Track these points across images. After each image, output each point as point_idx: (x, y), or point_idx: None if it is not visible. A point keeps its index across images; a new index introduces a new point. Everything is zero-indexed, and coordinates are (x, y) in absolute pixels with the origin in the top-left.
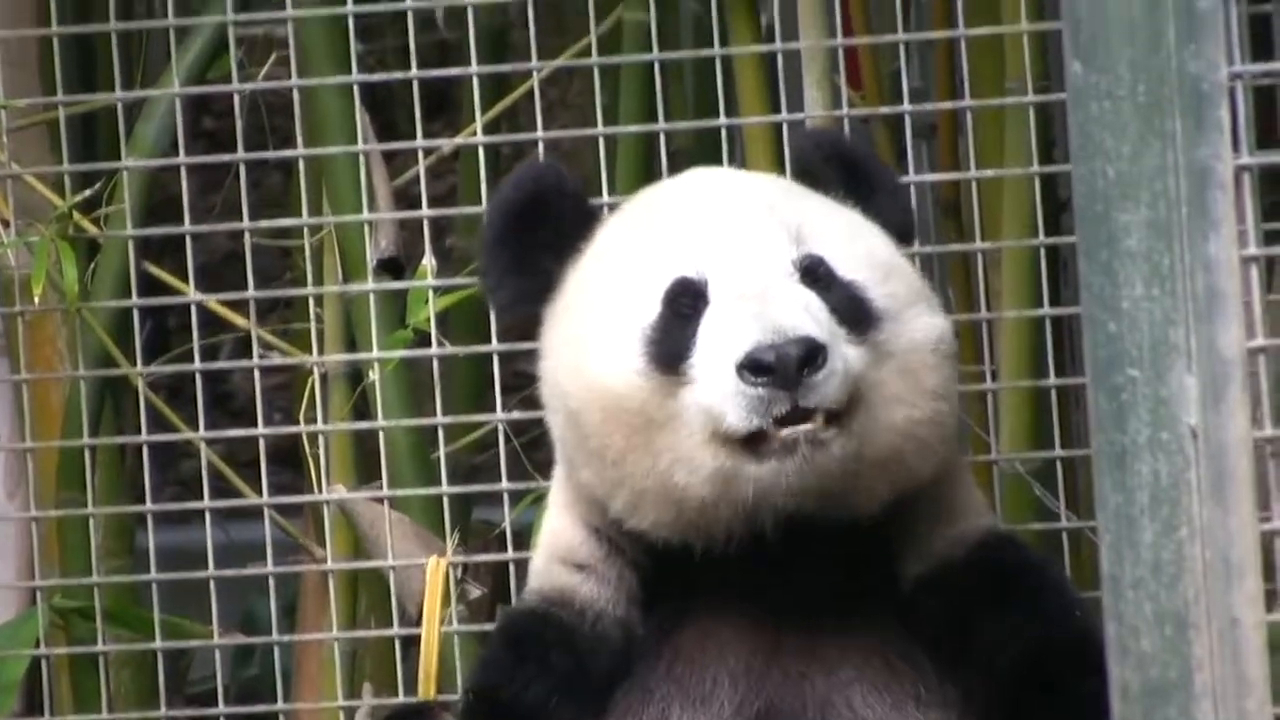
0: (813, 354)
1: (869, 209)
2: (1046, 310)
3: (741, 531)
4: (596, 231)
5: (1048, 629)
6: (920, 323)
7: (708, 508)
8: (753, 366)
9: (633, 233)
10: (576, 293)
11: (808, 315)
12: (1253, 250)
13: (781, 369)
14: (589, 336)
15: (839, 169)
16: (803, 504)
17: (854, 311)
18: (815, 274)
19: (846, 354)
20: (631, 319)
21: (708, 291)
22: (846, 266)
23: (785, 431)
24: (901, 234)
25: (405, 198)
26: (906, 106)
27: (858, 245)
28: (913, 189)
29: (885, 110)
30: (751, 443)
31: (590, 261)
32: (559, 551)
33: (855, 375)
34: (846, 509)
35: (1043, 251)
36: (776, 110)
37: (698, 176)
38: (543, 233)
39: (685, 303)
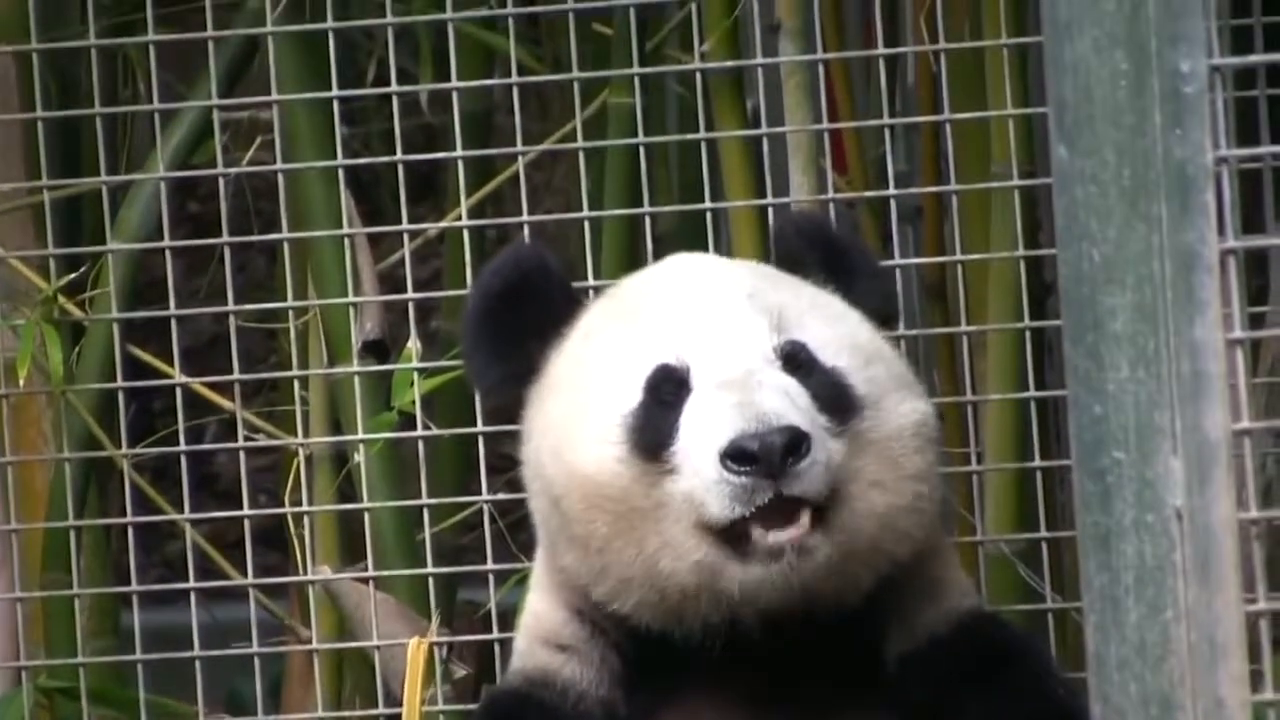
0: (796, 442)
1: (851, 293)
2: (1032, 393)
3: (724, 620)
4: (580, 315)
5: (1032, 708)
6: (902, 408)
7: (690, 597)
8: (736, 455)
9: (615, 318)
10: (559, 377)
11: (791, 403)
12: (1238, 334)
13: (765, 457)
14: (571, 423)
15: (821, 253)
16: (788, 601)
17: (835, 399)
18: (797, 360)
19: (828, 444)
20: (613, 406)
21: (690, 379)
22: (828, 352)
23: (771, 537)
24: (884, 318)
25: (390, 280)
26: (892, 190)
27: (839, 330)
28: (898, 272)
29: (870, 194)
30: (735, 537)
31: (573, 346)
32: (541, 633)
33: (836, 465)
34: (830, 601)
35: (1028, 334)
36: (762, 194)
37: (680, 263)
38: (526, 316)
39: (667, 390)
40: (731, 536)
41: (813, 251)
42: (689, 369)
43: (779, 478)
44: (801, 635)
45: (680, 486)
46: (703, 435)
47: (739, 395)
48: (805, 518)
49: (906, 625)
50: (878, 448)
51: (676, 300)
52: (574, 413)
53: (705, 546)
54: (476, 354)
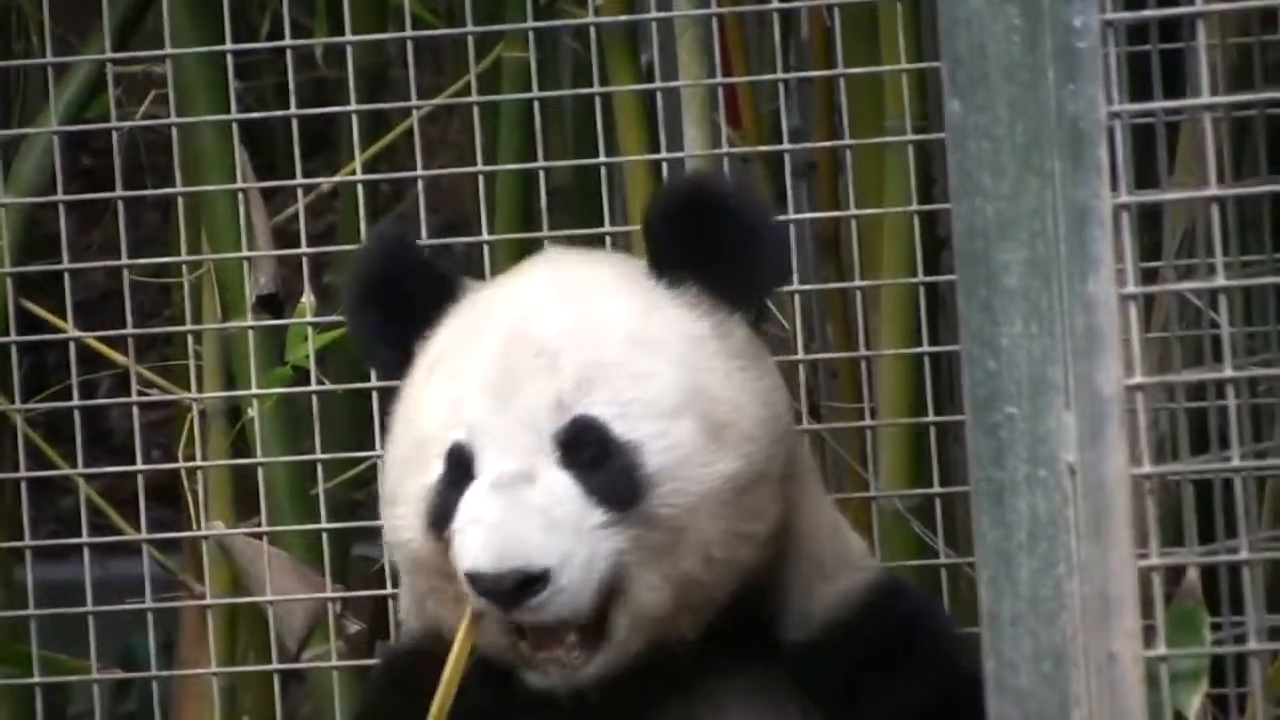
0: (528, 583)
1: (719, 268)
2: (925, 348)
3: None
4: (450, 304)
5: (936, 685)
6: (702, 474)
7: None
8: (474, 584)
9: (449, 360)
10: (402, 412)
11: (545, 526)
12: (1131, 289)
13: (493, 595)
14: (394, 482)
15: (693, 220)
16: (599, 681)
17: (621, 485)
18: (580, 445)
19: (595, 549)
20: (421, 476)
21: (473, 466)
22: (625, 422)
23: (537, 656)
24: (759, 289)
25: (284, 235)
26: (786, 145)
27: (648, 387)
28: (792, 227)
29: (765, 149)
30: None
31: (418, 377)
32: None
33: (608, 570)
34: (668, 641)
35: (922, 289)
36: (656, 149)
37: (524, 282)
38: (397, 304)
39: (459, 470)
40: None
41: (681, 224)
42: (474, 456)
43: (513, 611)
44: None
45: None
46: (459, 548)
47: (493, 512)
48: (570, 637)
49: (798, 611)
50: (667, 523)
51: (486, 352)
52: (398, 469)
53: (493, 635)
54: (356, 340)
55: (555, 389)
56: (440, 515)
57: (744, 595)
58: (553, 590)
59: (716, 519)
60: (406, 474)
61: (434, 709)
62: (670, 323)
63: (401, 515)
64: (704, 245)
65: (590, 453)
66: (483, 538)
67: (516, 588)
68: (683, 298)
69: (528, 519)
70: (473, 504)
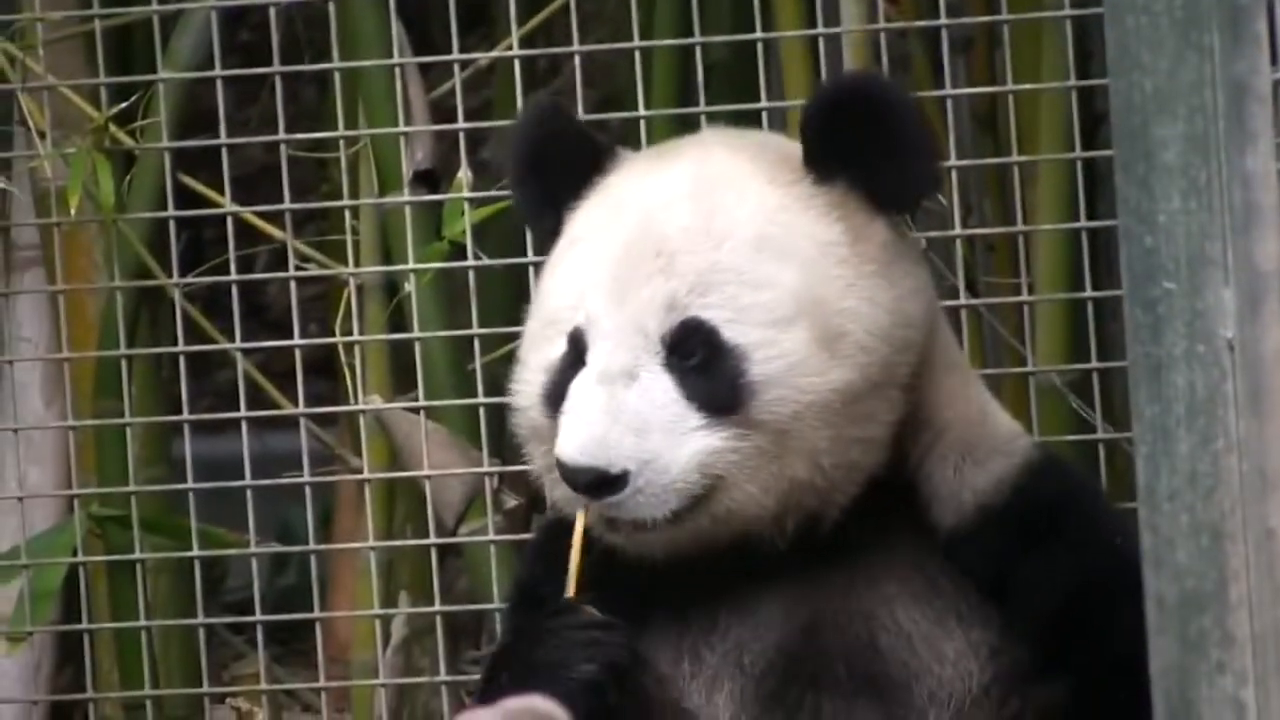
0: (602, 484)
1: (875, 172)
2: (1083, 224)
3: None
4: (607, 171)
5: (1091, 565)
6: (810, 383)
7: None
8: (560, 470)
9: (585, 239)
10: (544, 280)
11: (633, 429)
12: None
13: (572, 485)
14: (526, 352)
15: (852, 121)
16: (695, 548)
17: (723, 391)
18: (689, 347)
19: (691, 449)
20: (546, 353)
21: (585, 355)
22: (736, 327)
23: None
24: (912, 197)
25: (441, 110)
26: (943, 20)
27: (765, 295)
28: (949, 102)
29: (921, 24)
30: None
31: (564, 246)
32: None
33: (689, 473)
34: (791, 519)
35: (1079, 165)
36: (813, 24)
37: (666, 170)
38: (555, 172)
39: (576, 353)
40: None
41: (840, 124)
42: (587, 345)
43: (592, 502)
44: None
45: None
46: (560, 428)
47: (591, 406)
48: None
49: (950, 497)
50: (770, 428)
51: (612, 245)
52: (528, 343)
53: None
54: (520, 208)
55: (669, 291)
56: (556, 394)
57: (888, 485)
58: (630, 491)
59: (824, 427)
60: (535, 346)
61: (570, 585)
62: (801, 225)
63: (526, 384)
64: (858, 144)
65: (696, 356)
66: (572, 429)
67: (588, 487)
68: (825, 197)
69: (618, 419)
70: (576, 393)
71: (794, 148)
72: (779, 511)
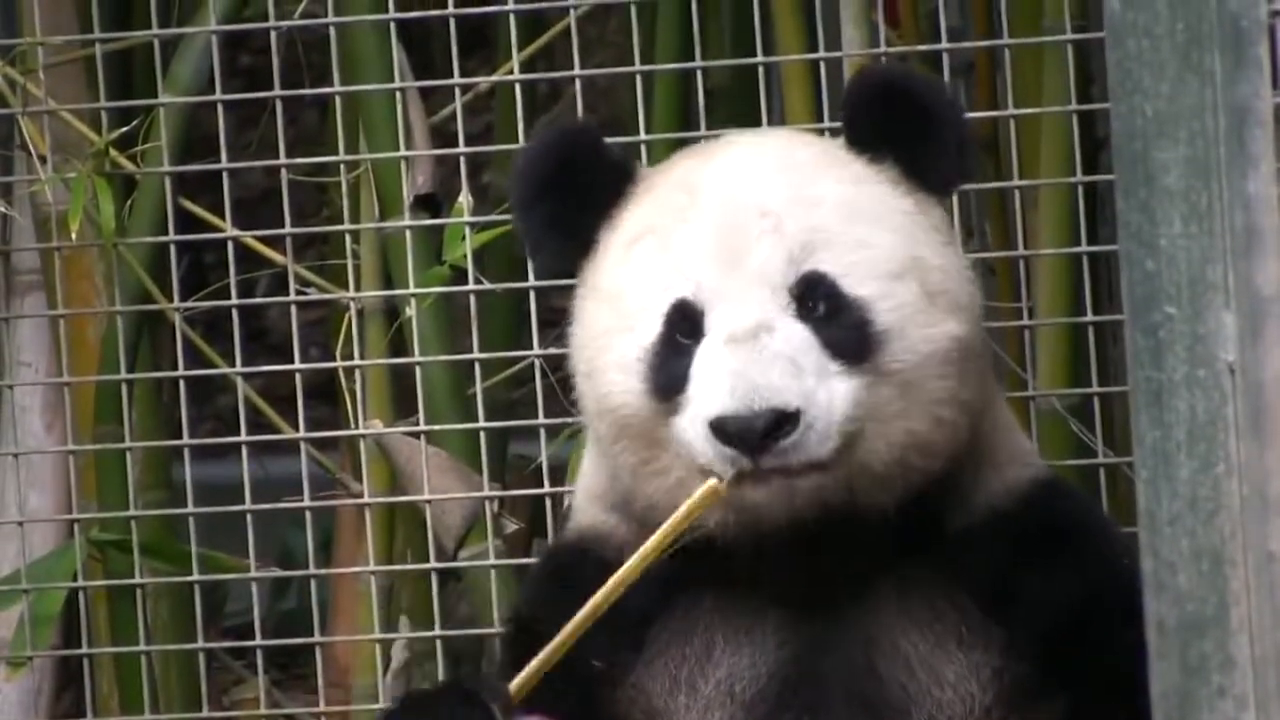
0: (780, 423)
1: (924, 152)
2: (1084, 248)
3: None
4: (629, 192)
5: (1094, 582)
6: (929, 333)
7: (715, 521)
8: (719, 432)
9: (652, 228)
10: (601, 283)
11: (789, 371)
12: None
13: (745, 439)
14: (601, 346)
15: (897, 113)
16: (806, 516)
17: (853, 340)
18: (814, 298)
19: (835, 392)
20: (635, 338)
21: (704, 322)
22: (853, 279)
23: (763, 467)
24: (957, 178)
25: (442, 135)
26: (944, 44)
27: (871, 252)
28: None
29: (923, 48)
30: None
31: (616, 250)
32: (596, 492)
33: (847, 413)
34: (858, 508)
35: (1080, 189)
36: (814, 48)
37: (726, 157)
38: (577, 194)
39: (684, 329)
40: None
41: (887, 109)
42: (703, 311)
43: (761, 456)
44: (849, 523)
45: (683, 432)
46: (699, 397)
47: (736, 362)
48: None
49: (964, 499)
50: (898, 379)
51: (707, 216)
52: (605, 334)
53: (709, 496)
54: (529, 232)
55: (785, 246)
56: (665, 375)
57: (927, 483)
58: (804, 428)
59: (944, 379)
60: (612, 342)
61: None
62: (881, 196)
63: (612, 382)
64: (901, 130)
65: (823, 306)
66: (729, 383)
67: (768, 429)
68: (885, 174)
69: (774, 363)
70: (713, 355)
71: (834, 140)
72: (898, 472)
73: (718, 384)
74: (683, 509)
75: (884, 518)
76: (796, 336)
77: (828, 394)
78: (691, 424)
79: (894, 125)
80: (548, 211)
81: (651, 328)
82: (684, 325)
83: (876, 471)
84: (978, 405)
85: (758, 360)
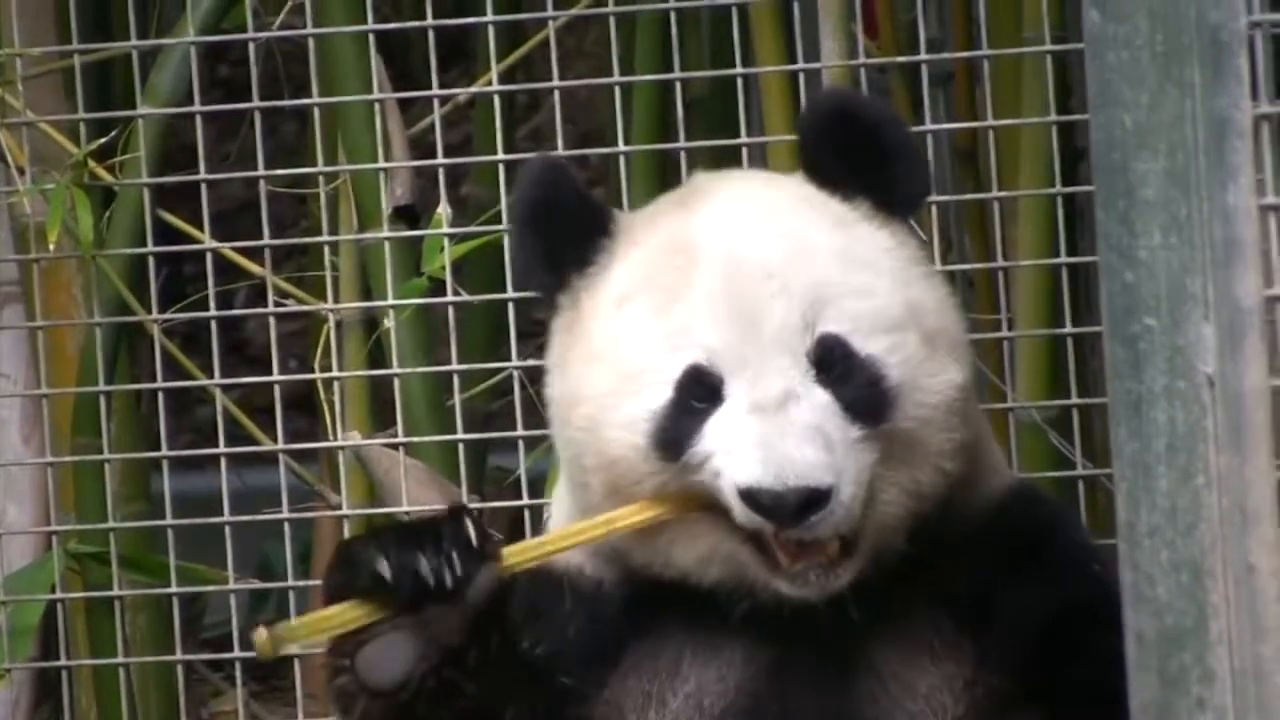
0: (814, 501)
1: (885, 179)
2: (1063, 259)
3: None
4: (608, 244)
5: (1068, 593)
6: (935, 384)
7: (728, 579)
8: (749, 499)
9: (647, 284)
10: (595, 335)
11: (821, 444)
12: (1270, 199)
13: (777, 513)
14: (605, 405)
15: (849, 138)
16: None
17: (869, 400)
18: (831, 362)
19: (859, 464)
20: (642, 402)
21: (723, 389)
22: (863, 338)
23: (796, 567)
24: (915, 202)
25: (420, 146)
26: (923, 56)
27: (873, 302)
28: (929, 138)
29: (902, 59)
30: (761, 542)
31: (608, 302)
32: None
33: (867, 483)
34: (875, 560)
35: (1059, 200)
36: (793, 60)
37: (713, 208)
38: (558, 230)
39: (699, 394)
40: (756, 540)
41: (843, 138)
42: (722, 378)
43: (791, 527)
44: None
45: (710, 482)
46: (727, 462)
47: (766, 435)
48: (833, 547)
49: (944, 513)
50: (907, 435)
51: (710, 278)
52: (609, 395)
53: (732, 542)
54: (519, 259)
55: (798, 309)
56: (676, 439)
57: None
58: (834, 506)
59: (946, 430)
60: (617, 402)
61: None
62: (866, 237)
63: (615, 438)
64: (858, 159)
65: (839, 369)
66: (759, 456)
67: (803, 504)
68: (857, 211)
69: (806, 438)
70: (735, 426)
71: (794, 177)
72: (907, 521)
73: (748, 453)
74: (622, 519)
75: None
76: (821, 405)
77: (854, 467)
78: (720, 481)
79: (852, 158)
80: (532, 247)
81: (661, 391)
82: (699, 390)
83: (891, 525)
84: (973, 439)
85: (789, 433)
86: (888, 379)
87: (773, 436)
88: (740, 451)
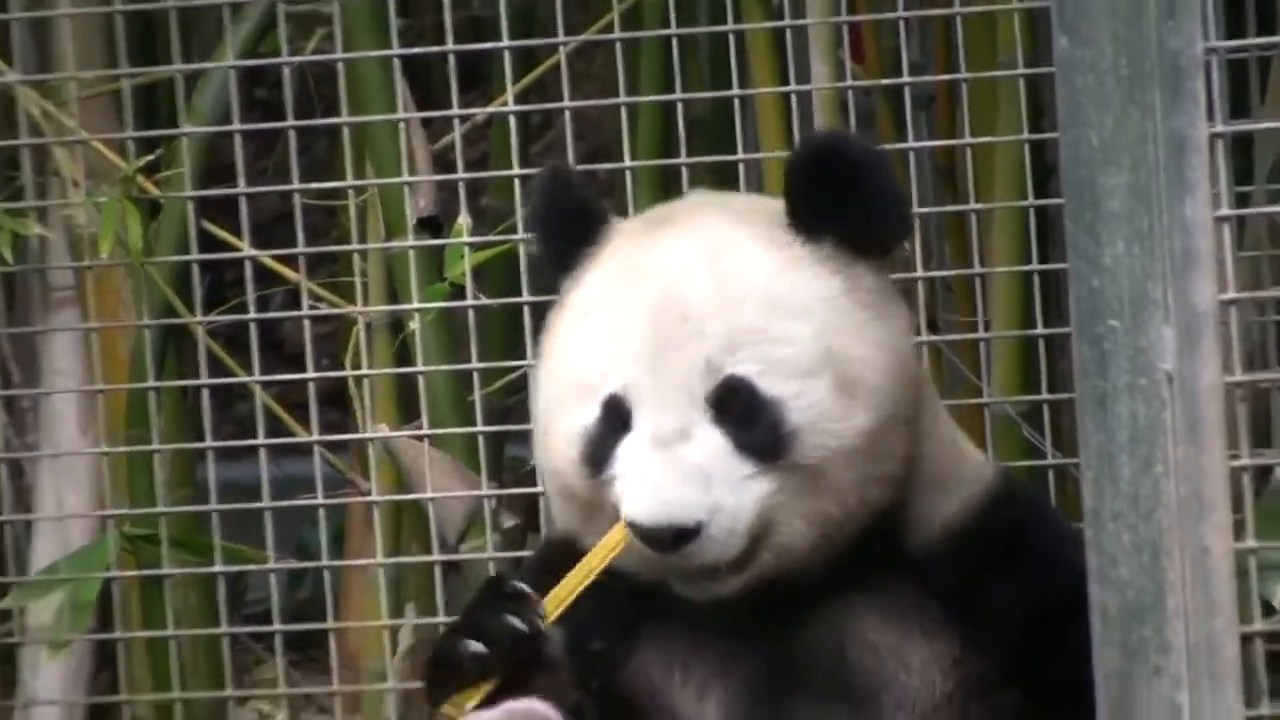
0: (682, 536)
1: (856, 219)
2: (1035, 266)
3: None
4: (593, 251)
5: (1045, 586)
6: (839, 429)
7: (652, 581)
8: (634, 529)
9: (601, 307)
10: (557, 351)
11: (698, 483)
12: (1225, 211)
13: (654, 545)
14: (550, 418)
15: (830, 176)
16: (741, 596)
17: (767, 441)
18: (731, 403)
19: (745, 497)
20: (578, 417)
21: (631, 419)
22: (770, 379)
23: (687, 582)
24: (889, 241)
25: (442, 162)
26: (906, 79)
27: (789, 350)
28: (912, 155)
29: (886, 82)
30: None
31: (575, 313)
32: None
33: (757, 513)
34: (799, 571)
35: (1032, 212)
36: (786, 82)
37: (672, 235)
38: (560, 234)
39: (616, 417)
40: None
41: (819, 180)
42: (630, 410)
43: (668, 555)
44: (796, 578)
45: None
46: (623, 493)
47: (654, 468)
48: (720, 571)
49: (919, 523)
50: (810, 471)
51: (644, 310)
52: (554, 404)
53: (643, 556)
54: (539, 251)
55: (705, 353)
56: (598, 458)
57: (874, 520)
58: (703, 540)
59: (851, 468)
60: (561, 412)
61: (551, 601)
62: (806, 283)
63: (556, 449)
64: (839, 200)
65: (739, 410)
66: (643, 492)
67: (672, 539)
68: (818, 254)
69: (683, 477)
70: (633, 457)
71: (777, 205)
72: (815, 545)
73: (634, 490)
74: (594, 556)
75: (829, 562)
76: (711, 443)
77: (736, 501)
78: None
79: (831, 199)
80: (540, 245)
81: (591, 411)
82: (614, 418)
83: (799, 549)
84: (900, 468)
85: (670, 471)
86: (787, 421)
87: (655, 474)
88: (630, 484)
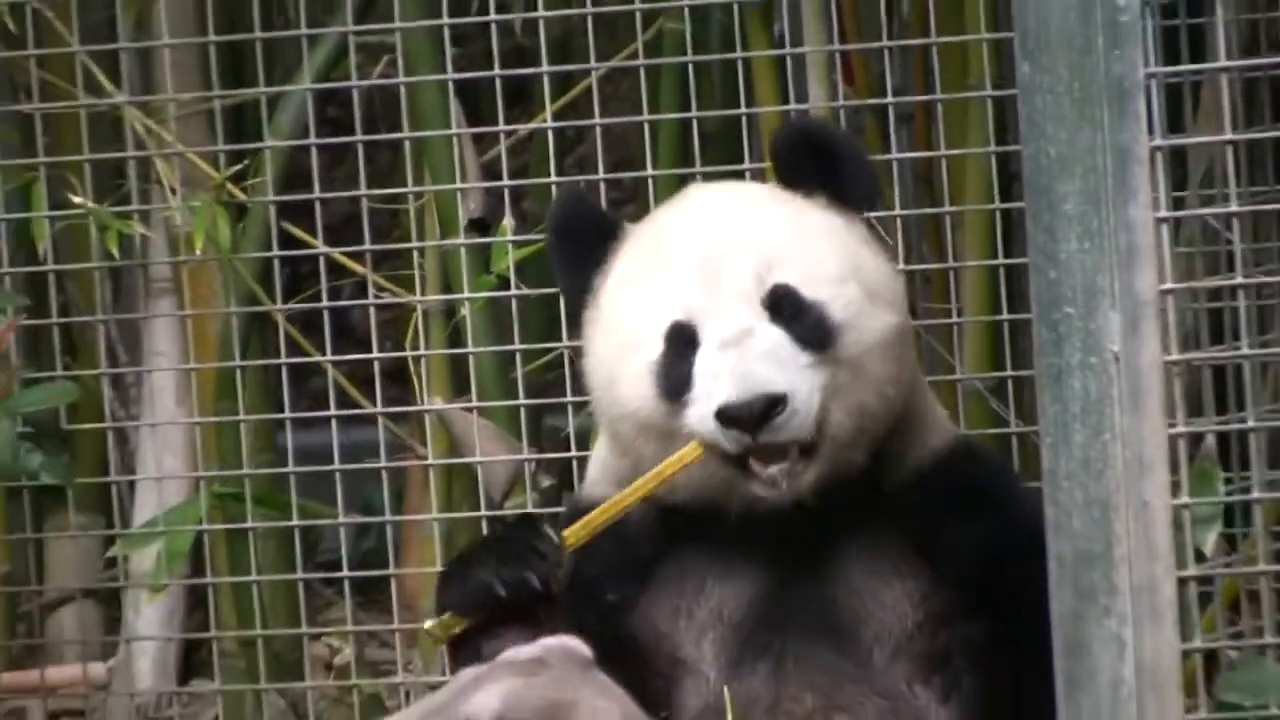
0: (772, 405)
1: (839, 181)
2: (1001, 261)
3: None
4: (617, 248)
5: (1002, 529)
6: (873, 324)
7: (720, 496)
8: (724, 419)
9: (641, 269)
10: (606, 317)
11: (774, 363)
12: (1163, 213)
13: (746, 421)
14: (615, 365)
15: (813, 151)
16: (806, 497)
17: (817, 335)
18: (783, 305)
19: (811, 381)
20: (643, 355)
21: (698, 335)
22: (811, 287)
23: (766, 471)
24: (867, 198)
25: (490, 171)
26: (890, 99)
27: (820, 263)
28: (895, 165)
29: (873, 102)
30: (740, 461)
31: (612, 289)
32: (608, 475)
33: (820, 398)
34: (835, 479)
35: (998, 214)
36: (787, 102)
37: (693, 204)
38: (579, 245)
39: (681, 343)
40: (737, 460)
41: (805, 152)
42: (696, 328)
43: (760, 433)
44: (827, 488)
45: (694, 424)
46: (704, 393)
47: (732, 360)
48: (794, 451)
49: (896, 463)
50: (852, 364)
51: (685, 255)
52: (616, 356)
53: (717, 465)
54: (555, 269)
55: (753, 267)
56: (671, 384)
57: (878, 442)
58: (790, 412)
59: (886, 361)
60: (623, 360)
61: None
62: (818, 218)
63: (628, 390)
64: (818, 166)
65: (790, 310)
66: (732, 376)
67: (763, 412)
68: (817, 201)
69: (761, 359)
70: (711, 358)
71: (766, 185)
72: (856, 437)
73: (719, 381)
74: (674, 458)
75: (850, 478)
76: (774, 336)
77: (807, 382)
78: (701, 418)
79: (813, 164)
80: (555, 255)
81: (655, 346)
82: (680, 341)
83: (842, 440)
84: (909, 384)
85: (748, 358)
86: (831, 318)
87: (737, 361)
88: (713, 381)
